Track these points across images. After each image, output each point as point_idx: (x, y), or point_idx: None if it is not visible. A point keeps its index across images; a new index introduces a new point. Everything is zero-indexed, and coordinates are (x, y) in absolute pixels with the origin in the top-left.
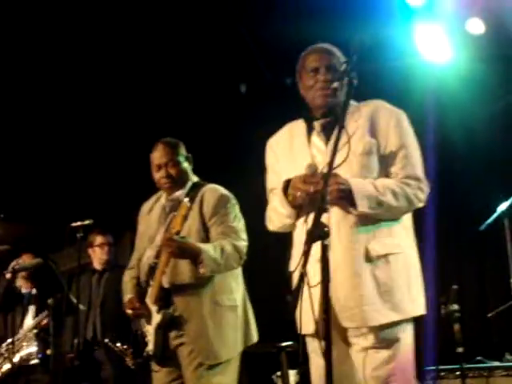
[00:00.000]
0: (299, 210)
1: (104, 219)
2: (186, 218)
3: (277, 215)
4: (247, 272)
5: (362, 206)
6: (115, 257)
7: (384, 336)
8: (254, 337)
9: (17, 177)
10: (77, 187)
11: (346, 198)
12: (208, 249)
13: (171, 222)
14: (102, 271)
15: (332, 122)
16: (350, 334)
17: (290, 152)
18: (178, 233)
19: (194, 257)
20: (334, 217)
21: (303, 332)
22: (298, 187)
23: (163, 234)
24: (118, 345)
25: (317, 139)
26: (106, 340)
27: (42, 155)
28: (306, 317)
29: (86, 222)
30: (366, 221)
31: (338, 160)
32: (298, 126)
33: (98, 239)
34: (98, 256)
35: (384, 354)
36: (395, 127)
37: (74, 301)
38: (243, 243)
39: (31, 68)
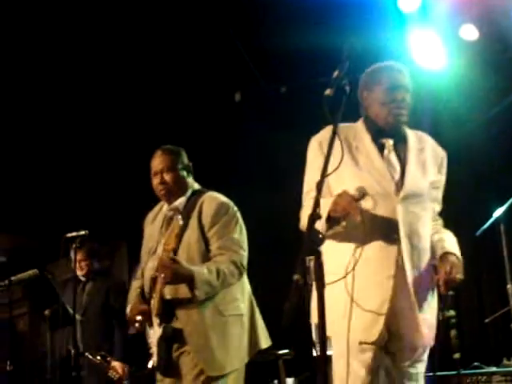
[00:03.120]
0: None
1: (100, 230)
2: (180, 236)
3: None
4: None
5: None
6: (110, 267)
7: None
8: (262, 343)
9: (12, 188)
10: (72, 198)
11: None
12: (202, 272)
13: (167, 238)
14: (84, 282)
15: (399, 142)
16: None
17: (353, 159)
18: (175, 250)
19: (188, 281)
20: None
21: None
22: (344, 206)
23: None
24: (98, 358)
25: (393, 157)
26: (86, 353)
27: (37, 166)
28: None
29: (82, 233)
30: None
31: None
32: (357, 133)
33: (78, 253)
34: (77, 268)
35: None
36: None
37: (71, 311)
38: (243, 254)
39: (27, 84)
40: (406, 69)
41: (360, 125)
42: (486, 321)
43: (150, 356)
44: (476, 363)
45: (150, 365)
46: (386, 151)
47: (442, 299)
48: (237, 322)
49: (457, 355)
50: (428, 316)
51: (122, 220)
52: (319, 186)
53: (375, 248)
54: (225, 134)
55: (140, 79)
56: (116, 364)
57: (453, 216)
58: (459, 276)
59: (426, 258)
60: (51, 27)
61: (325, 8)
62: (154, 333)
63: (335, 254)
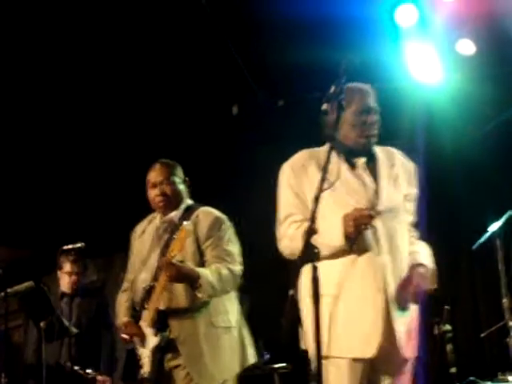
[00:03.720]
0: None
1: (95, 242)
2: (185, 240)
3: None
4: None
5: None
6: (87, 283)
7: None
8: (251, 358)
9: (8, 201)
10: (68, 210)
11: None
12: (206, 273)
13: (171, 245)
14: (71, 295)
15: (370, 160)
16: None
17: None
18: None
19: (192, 281)
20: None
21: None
22: (363, 220)
23: (159, 256)
24: (88, 371)
25: (366, 175)
26: (76, 367)
27: (32, 178)
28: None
29: (78, 245)
30: None
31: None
32: (324, 155)
33: (67, 267)
34: (65, 281)
35: None
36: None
37: (66, 323)
38: (239, 267)
39: (26, 96)
40: (374, 90)
41: (328, 147)
42: (482, 335)
43: (139, 367)
44: (472, 378)
45: (139, 376)
46: (359, 170)
47: (437, 314)
48: (228, 334)
49: (453, 369)
50: (405, 328)
51: (119, 232)
52: (316, 201)
53: (363, 264)
54: (221, 146)
55: (137, 92)
56: (102, 378)
57: (448, 230)
58: (429, 286)
59: (405, 270)
60: (56, 40)
61: (322, 23)
62: (147, 343)
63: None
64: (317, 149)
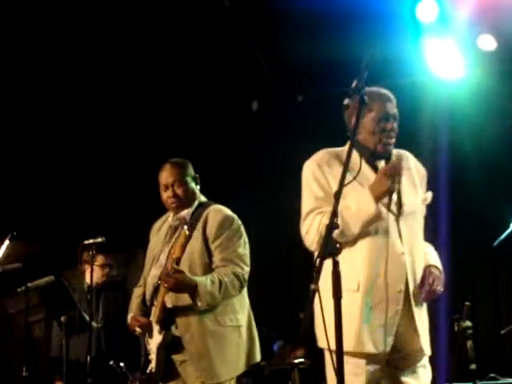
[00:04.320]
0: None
1: (117, 237)
2: (185, 245)
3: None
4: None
5: None
6: (114, 276)
7: None
8: (258, 356)
9: (29, 195)
10: (89, 205)
11: None
12: (205, 283)
13: (172, 247)
14: (98, 289)
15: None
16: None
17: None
18: (178, 259)
19: (191, 292)
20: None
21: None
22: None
23: (167, 254)
24: (122, 365)
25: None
26: (111, 362)
27: (54, 173)
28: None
29: (99, 240)
30: None
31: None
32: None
33: (99, 259)
34: (96, 276)
35: None
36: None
37: (87, 318)
38: (246, 269)
39: (37, 88)
40: (394, 97)
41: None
42: (502, 332)
43: (148, 362)
44: (492, 374)
45: (148, 370)
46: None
47: (458, 310)
48: (235, 332)
49: (473, 366)
50: (425, 325)
51: (139, 227)
52: (337, 196)
53: (387, 260)
54: (241, 142)
55: (158, 88)
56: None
57: (470, 226)
58: (440, 288)
59: (420, 272)
60: (60, 43)
61: (343, 18)
62: (154, 340)
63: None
64: (338, 149)
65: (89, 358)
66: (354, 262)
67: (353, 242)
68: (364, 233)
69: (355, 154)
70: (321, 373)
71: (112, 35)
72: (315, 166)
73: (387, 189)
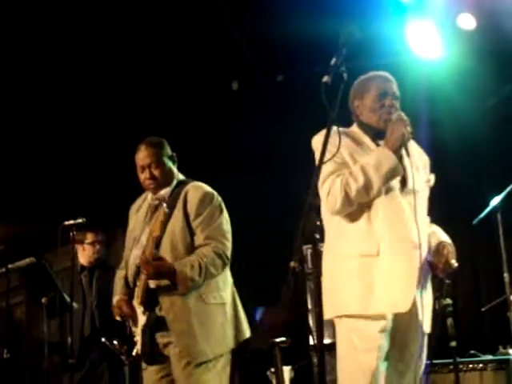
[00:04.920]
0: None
1: (97, 217)
2: (164, 224)
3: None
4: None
5: None
6: (107, 255)
7: None
8: (246, 332)
9: (9, 177)
10: (69, 186)
11: None
12: (183, 269)
13: (152, 226)
14: (91, 268)
15: None
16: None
17: (362, 157)
18: (158, 238)
19: (170, 278)
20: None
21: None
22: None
23: (148, 234)
24: (115, 343)
25: None
26: (103, 339)
27: (33, 155)
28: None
29: (79, 221)
30: None
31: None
32: (357, 136)
33: (89, 237)
34: (88, 254)
35: None
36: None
37: (68, 299)
38: (228, 245)
39: (20, 66)
40: (394, 78)
41: (356, 129)
42: (483, 309)
43: (133, 344)
44: (472, 351)
45: (133, 352)
46: None
47: (438, 288)
48: (219, 310)
49: (453, 343)
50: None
51: (119, 208)
52: (317, 173)
53: (401, 226)
54: (221, 121)
55: (135, 68)
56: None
57: (449, 205)
58: (454, 262)
59: (426, 251)
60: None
61: None
62: (138, 321)
63: (355, 230)
64: (346, 129)
65: (70, 339)
66: (372, 227)
67: (368, 209)
68: (379, 203)
69: (360, 132)
70: (302, 351)
71: (89, 12)
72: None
73: (402, 134)
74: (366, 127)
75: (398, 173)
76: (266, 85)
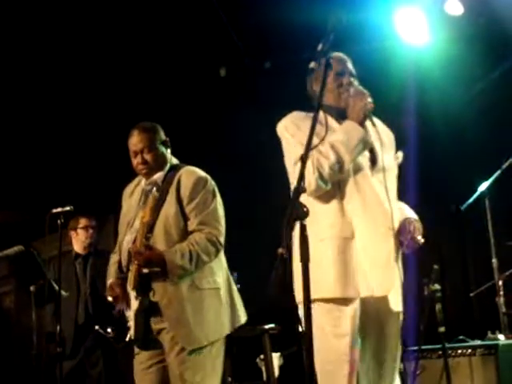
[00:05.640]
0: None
1: (87, 204)
2: (155, 209)
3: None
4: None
5: None
6: (97, 241)
7: None
8: (242, 318)
9: None
10: (58, 173)
11: None
12: (173, 258)
13: (143, 211)
14: (85, 255)
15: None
16: None
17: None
18: (151, 223)
19: (161, 267)
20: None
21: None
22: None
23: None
24: (109, 330)
25: None
26: (97, 327)
27: (21, 142)
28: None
29: (67, 209)
30: None
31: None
32: (320, 117)
33: (82, 221)
34: (81, 239)
35: None
36: None
37: (56, 287)
38: (222, 231)
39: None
40: (349, 57)
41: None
42: (471, 295)
43: (127, 329)
44: (461, 337)
45: (127, 338)
46: None
47: (426, 273)
48: (214, 295)
49: (441, 329)
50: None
51: (109, 194)
52: (304, 159)
53: (374, 207)
54: (209, 108)
55: (123, 54)
56: None
57: (438, 190)
58: (420, 238)
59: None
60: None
61: None
62: (131, 306)
63: (329, 212)
64: (310, 113)
65: (58, 327)
66: (345, 210)
67: (340, 191)
68: (351, 183)
69: (322, 115)
70: (291, 338)
71: (76, 4)
72: (290, 123)
73: (364, 104)
74: (327, 108)
75: (366, 144)
76: (253, 71)
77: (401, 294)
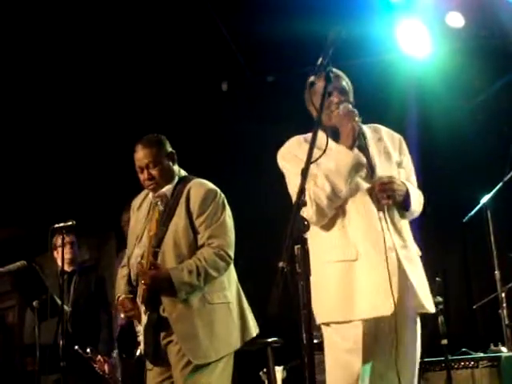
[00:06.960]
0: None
1: (89, 220)
2: (161, 221)
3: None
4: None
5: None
6: (79, 256)
7: None
8: (253, 331)
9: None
10: (60, 189)
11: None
12: (180, 276)
13: (149, 225)
14: (70, 273)
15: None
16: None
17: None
18: (160, 237)
19: (168, 285)
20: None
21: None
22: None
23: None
24: (88, 351)
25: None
26: (76, 347)
27: (24, 158)
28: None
29: (69, 223)
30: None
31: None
32: (320, 138)
33: (60, 239)
34: (64, 255)
35: None
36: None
37: (59, 302)
38: (230, 243)
39: (12, 63)
40: (341, 73)
41: (320, 133)
42: (474, 307)
43: (137, 344)
44: (463, 349)
45: (137, 353)
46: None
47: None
48: (224, 309)
49: (444, 341)
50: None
51: (111, 211)
52: (304, 174)
53: (374, 228)
54: (211, 122)
55: (125, 70)
56: (101, 359)
57: (440, 202)
58: (396, 190)
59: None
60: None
61: None
62: (142, 319)
63: (332, 235)
64: (309, 134)
65: (61, 342)
66: (347, 233)
67: (340, 215)
68: (352, 202)
69: (322, 135)
70: (295, 351)
71: (82, 12)
72: (288, 151)
73: (351, 127)
74: (325, 128)
75: (360, 166)
76: (256, 85)
77: (420, 295)
